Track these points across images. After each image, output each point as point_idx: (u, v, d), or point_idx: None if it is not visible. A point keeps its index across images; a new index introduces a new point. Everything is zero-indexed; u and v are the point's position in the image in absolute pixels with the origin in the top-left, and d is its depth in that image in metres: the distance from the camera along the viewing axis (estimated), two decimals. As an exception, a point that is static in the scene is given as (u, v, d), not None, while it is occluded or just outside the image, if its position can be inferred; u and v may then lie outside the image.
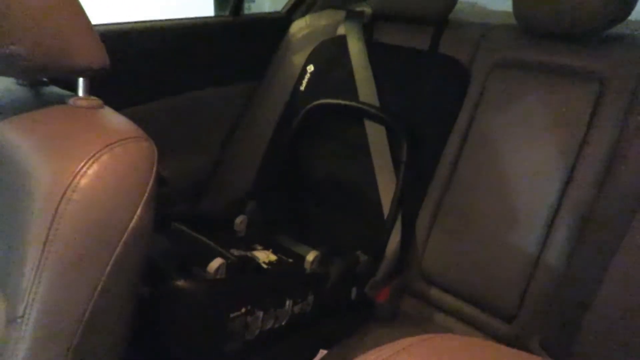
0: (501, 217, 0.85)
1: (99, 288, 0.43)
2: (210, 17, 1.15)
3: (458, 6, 1.02)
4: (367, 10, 1.13)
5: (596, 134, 0.80)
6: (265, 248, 0.93)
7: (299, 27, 1.25)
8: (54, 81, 0.61)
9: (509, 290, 0.83)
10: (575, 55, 0.85)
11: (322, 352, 0.80)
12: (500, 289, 0.84)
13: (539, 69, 0.88)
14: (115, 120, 0.50)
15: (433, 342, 0.27)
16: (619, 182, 0.75)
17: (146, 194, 0.46)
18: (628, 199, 0.72)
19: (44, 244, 0.41)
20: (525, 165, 0.84)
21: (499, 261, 0.85)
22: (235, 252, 0.84)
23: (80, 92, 0.52)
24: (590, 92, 0.81)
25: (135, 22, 1.00)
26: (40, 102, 0.54)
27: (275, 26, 1.25)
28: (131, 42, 0.98)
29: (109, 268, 0.43)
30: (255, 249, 0.91)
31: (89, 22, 0.50)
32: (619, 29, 0.84)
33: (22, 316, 0.41)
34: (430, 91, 0.99)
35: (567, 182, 0.80)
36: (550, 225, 0.81)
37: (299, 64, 1.17)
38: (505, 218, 0.85)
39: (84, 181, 0.42)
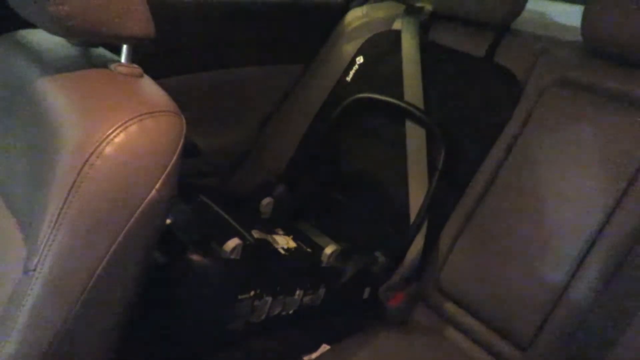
0: (531, 243, 0.82)
1: (109, 254, 0.44)
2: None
3: (524, 14, 0.97)
4: (427, 7, 1.09)
5: None
6: (287, 234, 0.93)
7: (355, 16, 1.22)
8: (105, 44, 0.62)
9: (528, 318, 0.80)
10: None
11: (325, 347, 0.80)
12: (518, 315, 0.81)
13: (600, 94, 0.82)
14: (150, 91, 0.51)
15: None
16: None
17: (168, 169, 0.46)
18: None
19: (63, 204, 0.43)
20: (566, 194, 0.80)
21: (521, 287, 0.81)
22: (256, 233, 0.84)
23: (123, 59, 0.53)
24: None
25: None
26: (86, 63, 0.55)
27: (331, 12, 1.23)
28: (181, 14, 0.98)
29: (121, 236, 0.44)
30: (276, 233, 0.92)
31: None
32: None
33: (34, 270, 0.43)
34: (478, 101, 0.95)
35: (608, 219, 0.75)
36: (582, 260, 0.76)
37: (348, 54, 1.15)
38: (535, 244, 0.81)
39: (109, 149, 0.43)
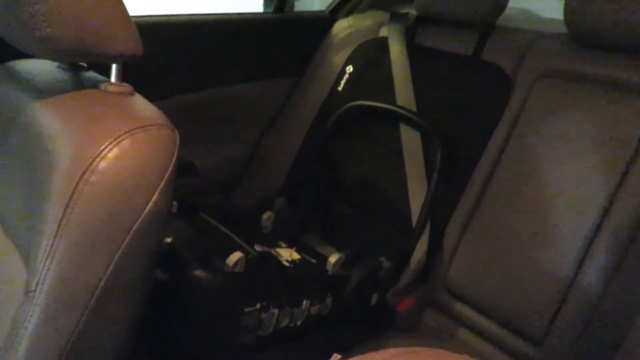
0: (536, 235, 0.81)
1: (109, 271, 0.44)
2: (252, 14, 1.16)
3: (507, 12, 0.98)
4: (412, 12, 1.11)
5: None
6: (290, 246, 0.92)
7: (341, 26, 1.24)
8: (94, 67, 0.63)
9: (539, 312, 0.79)
10: (633, 70, 0.79)
11: (336, 357, 0.78)
12: (529, 310, 0.80)
13: (590, 81, 0.83)
14: (142, 107, 0.51)
15: (417, 356, 0.26)
16: None
17: (164, 181, 0.46)
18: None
19: (60, 222, 0.42)
20: (566, 182, 0.80)
21: (529, 281, 0.81)
22: (259, 247, 0.84)
23: (113, 78, 0.54)
24: None
25: (176, 16, 1.02)
26: (76, 85, 0.55)
27: (318, 25, 1.25)
28: (172, 35, 1.00)
29: (120, 251, 0.44)
30: (279, 246, 0.91)
31: (124, 9, 0.51)
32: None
33: (34, 290, 0.42)
34: (470, 98, 0.96)
35: (610, 203, 0.75)
36: (588, 248, 0.76)
37: (338, 64, 1.16)
38: (540, 236, 0.80)
39: (103, 164, 0.43)
